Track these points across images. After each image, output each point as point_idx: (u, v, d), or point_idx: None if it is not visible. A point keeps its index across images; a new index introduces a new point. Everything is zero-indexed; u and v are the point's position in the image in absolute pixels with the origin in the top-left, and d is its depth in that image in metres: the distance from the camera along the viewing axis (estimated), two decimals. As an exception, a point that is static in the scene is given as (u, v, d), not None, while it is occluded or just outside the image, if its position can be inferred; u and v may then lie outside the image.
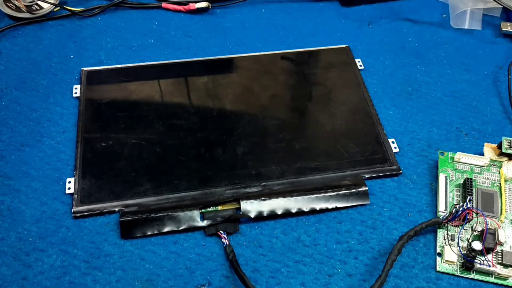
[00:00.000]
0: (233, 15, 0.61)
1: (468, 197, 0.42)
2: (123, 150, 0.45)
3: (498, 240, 0.39)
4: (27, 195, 0.43)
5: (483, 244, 0.39)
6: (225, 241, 0.40)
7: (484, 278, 0.39)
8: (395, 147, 0.48)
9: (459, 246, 0.40)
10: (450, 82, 0.54)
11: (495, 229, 0.40)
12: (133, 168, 0.44)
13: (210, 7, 0.60)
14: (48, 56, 0.54)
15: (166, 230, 0.41)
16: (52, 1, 0.58)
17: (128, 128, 0.47)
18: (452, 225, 0.42)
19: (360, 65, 0.55)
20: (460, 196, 0.44)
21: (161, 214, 0.41)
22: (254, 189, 0.43)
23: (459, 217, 0.41)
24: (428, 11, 0.63)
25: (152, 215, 0.41)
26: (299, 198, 0.42)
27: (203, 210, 0.42)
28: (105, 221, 0.41)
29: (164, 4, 0.60)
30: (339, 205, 0.43)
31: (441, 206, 0.43)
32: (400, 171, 0.46)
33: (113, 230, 0.41)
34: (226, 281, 0.39)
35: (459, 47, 0.59)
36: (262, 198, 0.42)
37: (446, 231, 0.41)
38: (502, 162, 0.45)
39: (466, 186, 0.43)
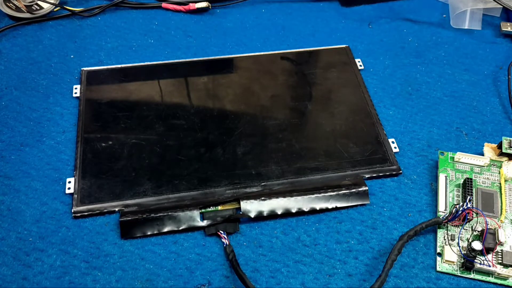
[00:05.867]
0: (233, 15, 0.61)
1: (468, 197, 0.42)
2: (123, 150, 0.45)
3: (498, 240, 0.39)
4: (27, 195, 0.43)
5: (483, 244, 0.39)
6: (225, 241, 0.40)
7: (484, 278, 0.39)
8: (395, 147, 0.48)
9: (459, 246, 0.40)
10: (450, 82, 0.54)
11: (495, 229, 0.40)
12: (133, 168, 0.44)
13: (210, 7, 0.60)
14: (48, 56, 0.54)
15: (166, 230, 0.41)
16: (52, 1, 0.58)
17: (128, 128, 0.47)
18: (452, 225, 0.42)
19: (360, 65, 0.55)
20: (460, 196, 0.44)
21: (161, 214, 0.41)
22: (254, 189, 0.43)
23: (459, 217, 0.41)
24: (428, 11, 0.63)
25: (152, 215, 0.41)
26: (299, 198, 0.42)
27: (203, 210, 0.42)
28: (105, 221, 0.41)
29: (164, 4, 0.60)
30: (339, 205, 0.43)
31: (441, 206, 0.43)
32: (400, 171, 0.46)
33: (113, 230, 0.41)
34: (226, 281, 0.39)
35: (459, 47, 0.58)
36: (262, 198, 0.42)
37: (446, 231, 0.41)
38: (502, 162, 0.45)
39: (466, 186, 0.43)
